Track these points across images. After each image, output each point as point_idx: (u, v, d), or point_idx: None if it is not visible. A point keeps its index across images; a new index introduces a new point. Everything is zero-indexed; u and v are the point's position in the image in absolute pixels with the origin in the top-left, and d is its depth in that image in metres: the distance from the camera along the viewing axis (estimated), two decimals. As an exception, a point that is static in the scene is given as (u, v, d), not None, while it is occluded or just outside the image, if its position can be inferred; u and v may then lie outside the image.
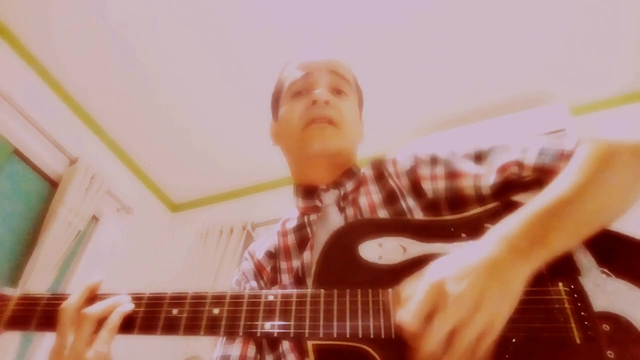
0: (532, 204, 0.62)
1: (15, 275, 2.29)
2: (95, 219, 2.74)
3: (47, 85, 2.59)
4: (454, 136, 2.40)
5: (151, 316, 0.67)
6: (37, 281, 2.22)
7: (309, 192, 0.91)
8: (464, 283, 0.54)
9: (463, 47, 2.34)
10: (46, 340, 2.34)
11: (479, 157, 0.80)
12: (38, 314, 0.69)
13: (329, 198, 0.88)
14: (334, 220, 0.84)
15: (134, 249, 2.95)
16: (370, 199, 0.85)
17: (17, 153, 2.44)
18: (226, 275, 2.64)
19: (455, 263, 0.58)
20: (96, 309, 0.66)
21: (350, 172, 0.91)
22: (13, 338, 2.08)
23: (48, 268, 2.28)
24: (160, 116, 2.81)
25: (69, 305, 0.67)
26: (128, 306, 0.67)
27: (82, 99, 2.74)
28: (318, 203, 0.89)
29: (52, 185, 2.59)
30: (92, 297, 0.69)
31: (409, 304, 0.57)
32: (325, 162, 0.89)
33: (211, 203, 3.26)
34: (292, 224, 0.93)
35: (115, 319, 0.65)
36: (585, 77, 2.42)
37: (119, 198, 2.88)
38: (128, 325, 0.66)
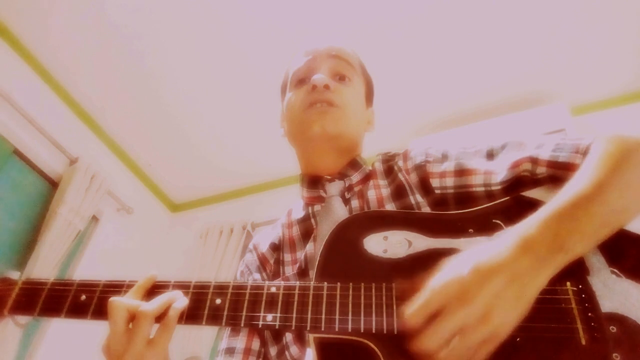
0: (551, 205, 0.59)
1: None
2: (95, 219, 2.74)
3: (47, 85, 2.59)
4: (454, 136, 2.40)
5: None
6: (37, 281, 2.21)
7: (313, 181, 0.91)
8: (477, 287, 0.53)
9: (463, 47, 2.34)
10: (47, 337, 2.34)
11: (491, 155, 0.79)
12: (42, 299, 0.68)
13: (334, 189, 0.87)
14: (338, 211, 0.83)
15: (134, 249, 2.94)
16: (379, 193, 0.85)
17: (17, 153, 2.44)
18: (226, 275, 2.64)
19: (472, 263, 0.55)
20: (153, 306, 0.62)
21: (355, 163, 0.91)
22: (14, 335, 2.08)
23: (48, 268, 2.27)
24: (160, 116, 2.81)
25: (121, 302, 0.62)
26: (183, 301, 0.64)
27: (82, 99, 2.74)
28: (322, 193, 0.89)
29: (52, 185, 2.59)
30: (150, 291, 0.67)
31: (417, 298, 0.56)
32: (327, 146, 0.88)
33: (211, 203, 3.26)
34: (297, 215, 0.93)
35: (173, 317, 0.62)
36: (585, 77, 2.42)
37: (119, 198, 2.87)
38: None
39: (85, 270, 2.60)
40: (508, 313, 0.53)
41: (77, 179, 2.49)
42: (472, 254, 0.57)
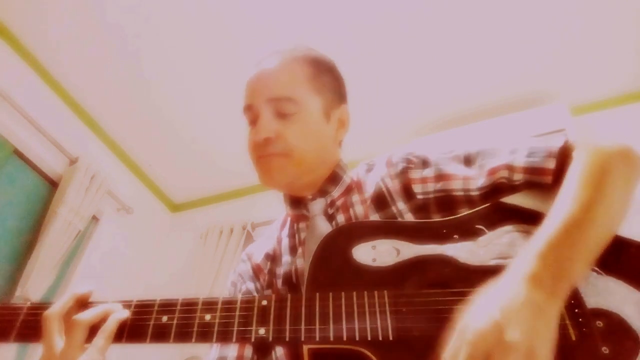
0: (543, 234, 0.60)
1: (15, 275, 2.29)
2: (95, 219, 2.74)
3: (47, 85, 2.59)
4: (454, 136, 2.40)
5: (140, 324, 0.64)
6: (37, 281, 2.22)
7: (295, 201, 0.90)
8: (514, 327, 0.52)
9: (463, 47, 2.34)
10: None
11: (468, 160, 0.81)
12: (18, 324, 0.66)
13: (316, 207, 0.86)
14: (323, 230, 0.82)
15: (134, 249, 2.95)
16: (365, 208, 0.84)
17: (17, 153, 2.44)
18: (226, 275, 2.64)
19: (497, 305, 0.54)
20: (88, 315, 0.64)
21: (335, 176, 0.89)
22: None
23: (48, 268, 2.28)
24: (160, 116, 2.81)
25: (53, 312, 0.64)
26: (123, 312, 0.65)
27: (82, 99, 2.74)
28: (305, 212, 0.88)
29: (52, 185, 2.59)
30: (82, 306, 0.67)
31: (454, 352, 0.53)
32: (289, 188, 0.88)
33: (211, 203, 3.26)
34: (286, 231, 0.93)
35: (111, 325, 0.63)
36: (585, 77, 2.42)
37: (119, 198, 2.88)
38: (116, 333, 0.64)
39: (85, 270, 2.60)
40: (546, 344, 0.52)
41: (77, 179, 2.49)
42: (490, 297, 0.56)
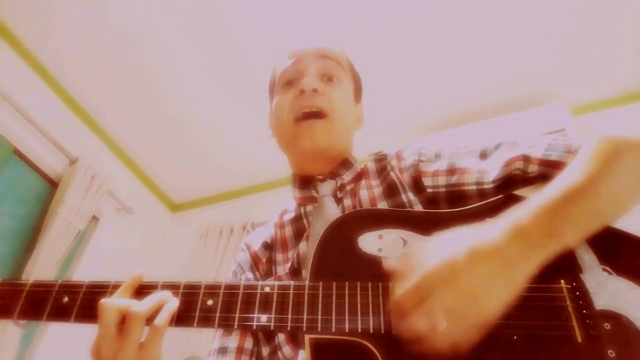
0: (544, 195, 0.59)
1: (15, 275, 2.29)
2: (95, 219, 2.74)
3: (47, 85, 2.59)
4: (454, 136, 2.40)
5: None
6: (37, 281, 2.21)
7: (305, 182, 0.90)
8: (469, 271, 0.53)
9: (463, 47, 2.34)
10: (47, 338, 2.34)
11: (484, 154, 0.79)
12: (21, 302, 0.65)
13: (326, 188, 0.87)
14: (330, 210, 0.83)
15: (134, 249, 2.94)
16: (371, 193, 0.85)
17: (17, 153, 2.44)
18: (226, 275, 2.63)
19: (466, 245, 0.55)
20: (145, 307, 0.59)
21: (347, 163, 0.91)
22: (14, 335, 2.08)
23: (48, 268, 2.28)
24: (160, 116, 2.81)
25: (112, 303, 0.59)
26: (174, 302, 0.62)
27: (82, 99, 2.74)
28: (314, 193, 0.89)
29: (52, 185, 2.59)
30: (137, 293, 0.64)
31: (406, 278, 0.55)
32: (318, 156, 0.88)
33: (211, 203, 3.26)
34: (289, 215, 0.93)
35: (165, 319, 0.60)
36: (585, 77, 2.42)
37: (119, 198, 2.88)
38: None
39: (85, 271, 2.60)
40: (497, 298, 0.53)
41: (77, 179, 2.49)
42: (465, 236, 0.57)
